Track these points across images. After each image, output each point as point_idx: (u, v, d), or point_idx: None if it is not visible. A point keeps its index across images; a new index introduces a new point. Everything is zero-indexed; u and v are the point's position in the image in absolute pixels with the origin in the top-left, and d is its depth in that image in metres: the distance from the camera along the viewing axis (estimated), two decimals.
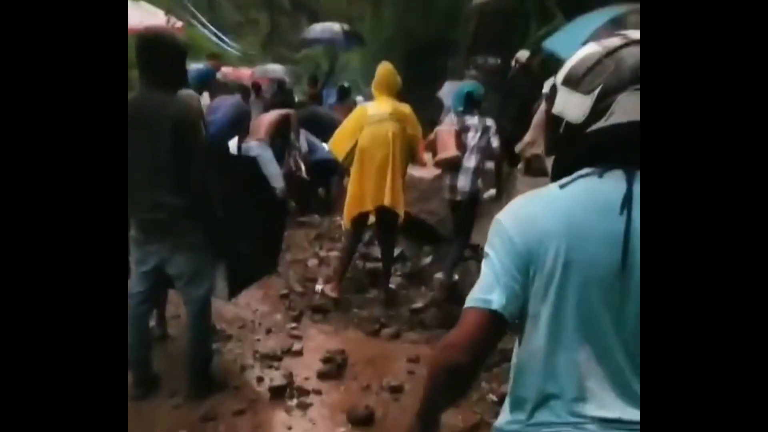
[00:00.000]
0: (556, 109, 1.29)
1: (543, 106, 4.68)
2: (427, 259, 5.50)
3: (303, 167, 6.66)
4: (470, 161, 4.67)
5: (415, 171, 6.56)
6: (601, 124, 1.18)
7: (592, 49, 1.26)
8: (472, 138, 4.70)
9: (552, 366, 1.20)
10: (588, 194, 1.20)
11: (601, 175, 1.21)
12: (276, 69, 12.17)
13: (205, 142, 3.06)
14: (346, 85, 10.27)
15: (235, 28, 25.01)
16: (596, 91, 1.20)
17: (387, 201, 4.46)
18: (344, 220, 4.81)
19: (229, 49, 19.60)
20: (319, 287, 4.86)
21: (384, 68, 4.72)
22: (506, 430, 1.29)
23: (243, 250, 3.45)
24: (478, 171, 4.70)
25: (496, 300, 1.19)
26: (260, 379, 3.50)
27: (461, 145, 4.67)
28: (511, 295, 1.19)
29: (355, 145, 4.60)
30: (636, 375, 1.15)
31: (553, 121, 1.30)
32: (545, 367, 1.21)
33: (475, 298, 1.22)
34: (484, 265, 1.25)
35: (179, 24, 6.64)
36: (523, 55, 7.23)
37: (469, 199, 4.73)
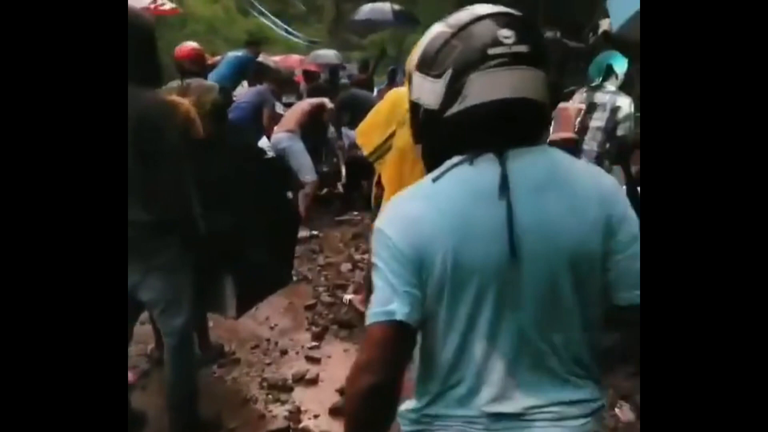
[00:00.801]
0: (413, 95, 1.21)
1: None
2: None
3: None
4: (591, 144, 3.87)
5: None
6: (456, 107, 1.14)
7: (441, 28, 1.19)
8: (598, 118, 3.89)
9: (450, 361, 1.17)
10: (463, 185, 1.15)
11: (471, 162, 1.15)
12: (328, 54, 11.62)
13: (225, 137, 2.61)
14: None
15: (301, 16, 24.91)
16: (447, 74, 1.14)
17: None
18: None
19: (294, 38, 19.36)
20: (347, 297, 4.32)
21: None
22: (404, 417, 1.26)
23: (253, 260, 3.03)
24: (601, 156, 3.85)
25: (398, 309, 1.12)
26: (262, 417, 3.00)
27: (582, 126, 3.89)
28: (414, 301, 1.13)
29: (388, 138, 3.97)
30: (537, 365, 1.16)
31: (413, 109, 1.22)
32: (444, 361, 1.18)
33: (375, 312, 1.14)
34: (376, 278, 1.16)
35: (169, 6, 6.03)
36: (606, 23, 6.76)
37: None
